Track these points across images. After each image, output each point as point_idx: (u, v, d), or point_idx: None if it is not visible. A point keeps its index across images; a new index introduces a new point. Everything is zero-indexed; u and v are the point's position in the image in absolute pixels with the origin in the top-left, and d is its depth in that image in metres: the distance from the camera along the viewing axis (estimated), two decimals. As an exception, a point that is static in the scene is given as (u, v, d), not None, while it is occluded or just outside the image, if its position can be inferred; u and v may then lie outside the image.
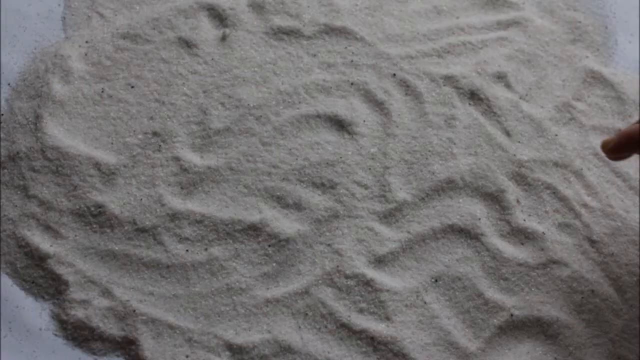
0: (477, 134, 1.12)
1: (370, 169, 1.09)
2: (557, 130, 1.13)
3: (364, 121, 1.12)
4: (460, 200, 1.08)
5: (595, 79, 1.19)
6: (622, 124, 1.15)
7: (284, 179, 1.08)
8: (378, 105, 1.14)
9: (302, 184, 1.08)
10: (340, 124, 1.12)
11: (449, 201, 1.08)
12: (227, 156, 1.10)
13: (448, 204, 1.07)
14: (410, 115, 1.13)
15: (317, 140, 1.11)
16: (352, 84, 1.16)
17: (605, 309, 1.01)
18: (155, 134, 1.11)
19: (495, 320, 0.99)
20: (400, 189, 1.08)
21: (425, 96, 1.15)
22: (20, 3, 1.15)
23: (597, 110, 1.16)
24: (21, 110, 1.14)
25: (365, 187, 1.08)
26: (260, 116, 1.13)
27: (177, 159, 1.09)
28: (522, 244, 1.05)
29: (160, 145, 1.10)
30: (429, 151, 1.11)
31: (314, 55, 1.19)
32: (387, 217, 1.06)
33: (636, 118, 1.15)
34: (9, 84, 1.16)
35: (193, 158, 1.09)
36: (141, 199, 1.07)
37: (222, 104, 1.14)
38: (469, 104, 1.14)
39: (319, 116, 1.13)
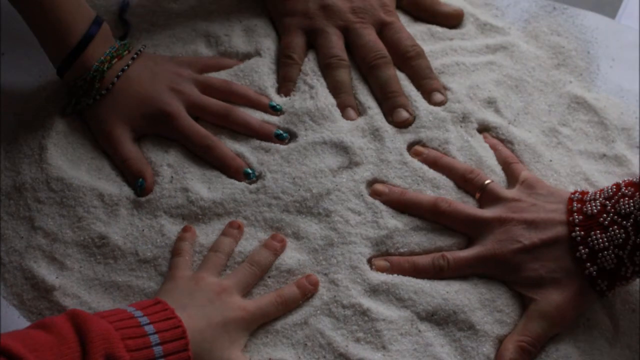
0: (469, 157, 1.06)
1: (362, 195, 1.03)
2: (550, 156, 1.08)
3: (360, 148, 1.06)
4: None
5: (579, 104, 1.14)
6: (605, 149, 1.10)
7: (284, 210, 1.02)
8: (373, 131, 1.08)
9: (301, 215, 1.02)
10: (345, 150, 1.06)
11: (440, 229, 1.02)
12: (233, 187, 1.04)
13: (440, 231, 1.02)
14: (403, 140, 1.08)
15: (321, 167, 1.04)
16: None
17: (599, 338, 0.96)
18: (169, 165, 1.06)
19: (484, 349, 0.94)
20: (392, 216, 1.02)
21: (424, 121, 1.09)
22: (25, 31, 1.08)
23: (582, 135, 1.12)
24: (26, 140, 1.08)
25: (359, 213, 1.02)
26: (270, 149, 1.07)
27: (185, 190, 1.03)
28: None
29: (172, 177, 1.05)
30: (420, 177, 1.05)
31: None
32: (379, 245, 1.00)
33: (619, 143, 1.11)
34: (14, 114, 1.11)
35: (201, 190, 1.04)
36: (143, 230, 1.02)
37: (233, 135, 1.09)
38: (461, 126, 1.09)
39: (325, 142, 1.06)
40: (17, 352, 0.74)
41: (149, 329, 0.84)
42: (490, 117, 1.10)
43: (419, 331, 0.94)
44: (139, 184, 1.03)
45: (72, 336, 0.79)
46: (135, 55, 1.10)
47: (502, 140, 1.09)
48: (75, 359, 0.77)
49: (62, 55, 1.06)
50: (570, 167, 1.07)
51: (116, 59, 1.08)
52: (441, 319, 0.95)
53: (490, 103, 1.12)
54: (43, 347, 0.77)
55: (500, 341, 0.94)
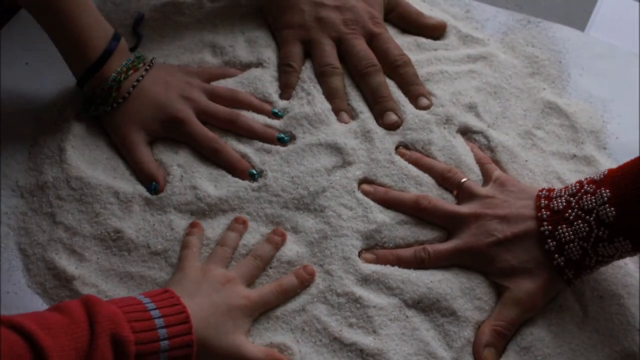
0: (449, 157, 1.09)
1: (354, 192, 1.06)
2: (526, 156, 1.10)
3: (352, 149, 1.08)
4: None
5: (552, 109, 1.16)
6: (576, 150, 1.13)
7: (283, 207, 1.05)
8: (365, 133, 1.10)
9: (299, 211, 1.05)
10: (339, 151, 1.08)
11: (423, 223, 1.05)
12: (237, 185, 1.06)
13: (422, 226, 1.04)
14: (392, 141, 1.10)
15: (317, 167, 1.07)
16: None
17: (570, 322, 0.98)
18: (179, 165, 1.09)
19: (465, 333, 0.97)
20: (380, 211, 1.05)
21: (410, 123, 1.11)
22: (47, 42, 1.09)
23: (555, 138, 1.14)
24: (46, 142, 1.10)
25: (350, 208, 1.04)
26: (271, 150, 1.09)
27: (194, 187, 1.06)
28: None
29: (182, 176, 1.07)
30: (405, 175, 1.07)
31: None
32: (368, 239, 1.03)
33: (588, 144, 1.13)
34: (36, 118, 1.13)
35: (208, 187, 1.06)
36: (154, 224, 1.04)
37: (238, 137, 1.12)
38: (444, 127, 1.11)
39: (320, 144, 1.09)
40: (29, 329, 0.77)
41: (155, 313, 0.86)
42: (471, 121, 1.12)
43: (407, 317, 0.97)
44: (153, 187, 1.06)
45: (83, 318, 0.81)
46: (148, 67, 1.12)
47: (481, 143, 1.11)
48: (83, 337, 0.80)
49: (83, 69, 1.08)
50: (544, 167, 1.09)
51: (132, 71, 1.10)
52: (426, 306, 0.97)
53: (471, 108, 1.14)
54: (55, 326, 0.79)
55: (480, 326, 0.97)
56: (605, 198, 0.93)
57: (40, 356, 0.76)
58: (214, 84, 1.16)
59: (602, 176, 0.96)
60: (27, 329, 0.77)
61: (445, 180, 1.07)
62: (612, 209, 0.93)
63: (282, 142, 1.10)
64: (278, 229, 1.03)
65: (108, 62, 1.08)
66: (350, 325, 0.96)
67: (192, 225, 1.03)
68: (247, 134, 1.11)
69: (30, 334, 0.77)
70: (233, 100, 1.13)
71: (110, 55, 1.09)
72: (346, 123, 1.11)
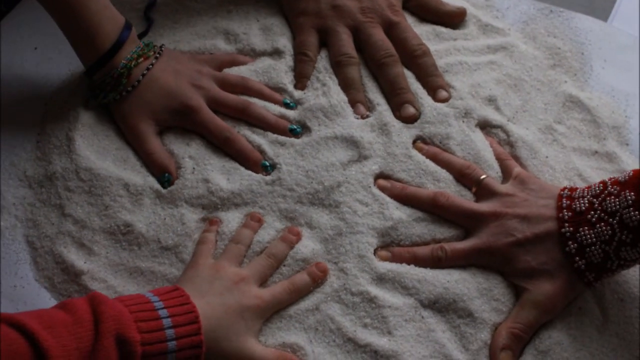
0: (468, 152, 1.06)
1: (370, 187, 1.03)
2: (547, 152, 1.07)
3: (369, 142, 1.06)
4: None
5: (574, 103, 1.13)
6: (597, 146, 1.10)
7: (298, 202, 1.02)
8: (382, 126, 1.07)
9: (314, 206, 1.02)
10: (355, 144, 1.05)
11: (441, 221, 1.02)
12: (251, 178, 1.03)
13: (440, 223, 1.01)
14: (409, 135, 1.07)
15: (333, 160, 1.04)
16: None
17: (590, 326, 0.96)
18: (190, 157, 1.06)
19: (482, 335, 0.94)
20: (397, 207, 1.02)
21: (428, 116, 1.08)
22: (56, 26, 1.06)
23: (576, 133, 1.11)
24: (53, 131, 1.08)
25: (366, 204, 1.02)
26: (286, 143, 1.06)
27: (206, 180, 1.03)
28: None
29: (194, 169, 1.04)
30: (422, 170, 1.04)
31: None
32: (384, 236, 1.00)
33: (610, 140, 1.10)
34: (45, 104, 1.11)
35: (221, 181, 1.03)
36: (165, 218, 1.01)
37: (251, 128, 1.08)
38: (463, 121, 1.08)
39: (336, 137, 1.06)
40: (30, 328, 0.75)
41: (163, 312, 0.84)
42: (491, 115, 1.10)
43: (422, 318, 0.95)
44: (166, 178, 1.04)
45: (88, 317, 0.80)
46: (158, 55, 1.09)
47: (500, 138, 1.08)
48: (88, 337, 0.78)
49: (94, 58, 1.06)
50: (565, 164, 1.07)
51: (142, 58, 1.07)
52: (442, 306, 0.95)
53: (491, 101, 1.11)
54: (59, 325, 0.78)
55: (497, 328, 0.94)
56: (630, 201, 0.91)
57: (41, 356, 0.75)
58: (227, 71, 1.13)
59: (627, 177, 0.93)
60: (28, 327, 0.75)
61: (464, 177, 1.04)
62: (637, 212, 0.90)
63: (294, 133, 1.07)
64: (293, 228, 1.00)
65: (120, 51, 1.06)
66: (365, 325, 0.94)
67: (211, 223, 1.01)
68: (259, 123, 1.08)
69: (31, 333, 0.75)
70: (244, 88, 1.11)
71: (122, 45, 1.06)
72: (362, 114, 1.08)
